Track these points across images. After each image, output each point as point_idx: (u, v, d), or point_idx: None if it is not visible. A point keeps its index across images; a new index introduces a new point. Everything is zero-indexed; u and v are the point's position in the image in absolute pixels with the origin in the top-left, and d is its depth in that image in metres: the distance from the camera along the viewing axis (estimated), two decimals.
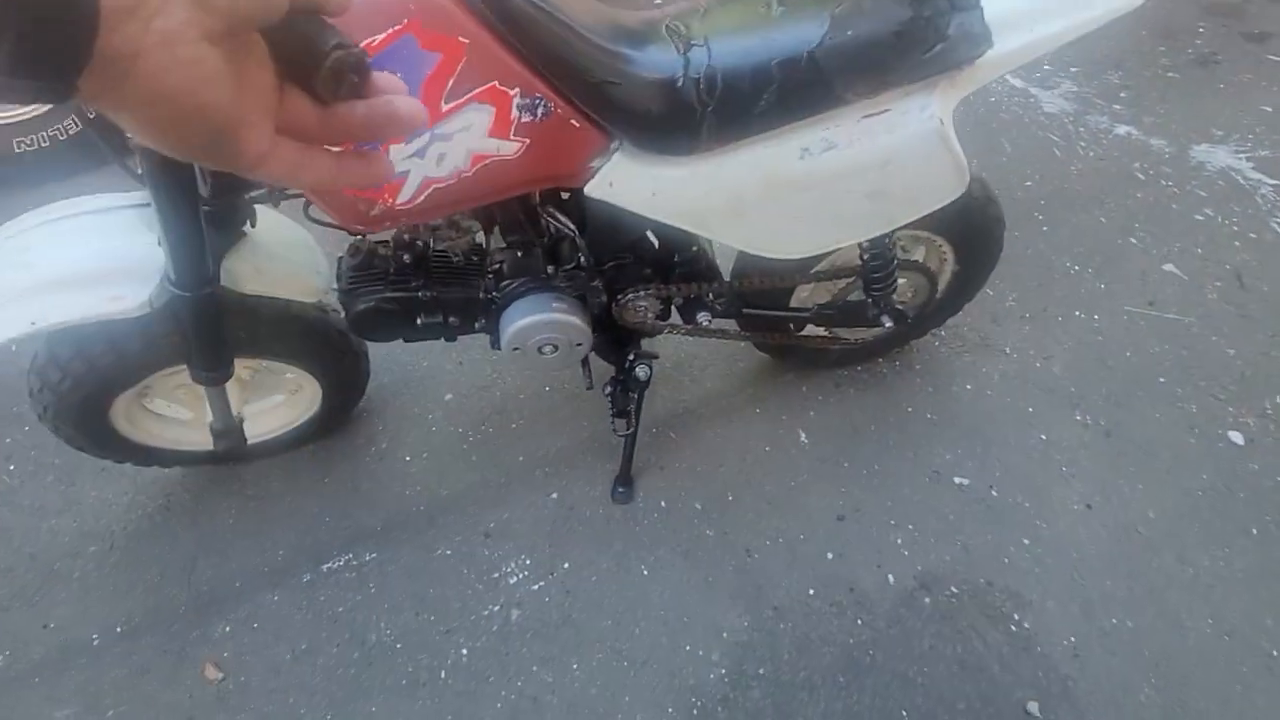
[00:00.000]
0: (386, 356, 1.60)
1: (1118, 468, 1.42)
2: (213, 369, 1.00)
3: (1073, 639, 1.20)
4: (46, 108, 1.88)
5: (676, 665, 1.18)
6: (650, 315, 1.20)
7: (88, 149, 1.94)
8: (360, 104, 0.32)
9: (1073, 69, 2.47)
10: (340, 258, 1.13)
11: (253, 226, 1.04)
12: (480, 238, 1.14)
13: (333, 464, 1.45)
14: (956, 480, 1.41)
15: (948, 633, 1.21)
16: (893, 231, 1.11)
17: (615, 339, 1.26)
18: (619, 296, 1.16)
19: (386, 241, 1.12)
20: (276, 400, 1.38)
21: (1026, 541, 1.32)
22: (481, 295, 1.12)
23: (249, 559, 1.31)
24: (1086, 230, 1.91)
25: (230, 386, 1.21)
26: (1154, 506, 1.36)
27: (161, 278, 0.91)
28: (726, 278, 1.23)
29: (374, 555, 1.31)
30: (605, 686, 1.16)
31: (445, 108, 0.80)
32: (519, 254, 1.11)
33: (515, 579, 1.28)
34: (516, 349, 1.13)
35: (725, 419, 1.52)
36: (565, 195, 1.07)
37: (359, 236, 1.11)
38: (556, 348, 1.14)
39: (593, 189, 0.94)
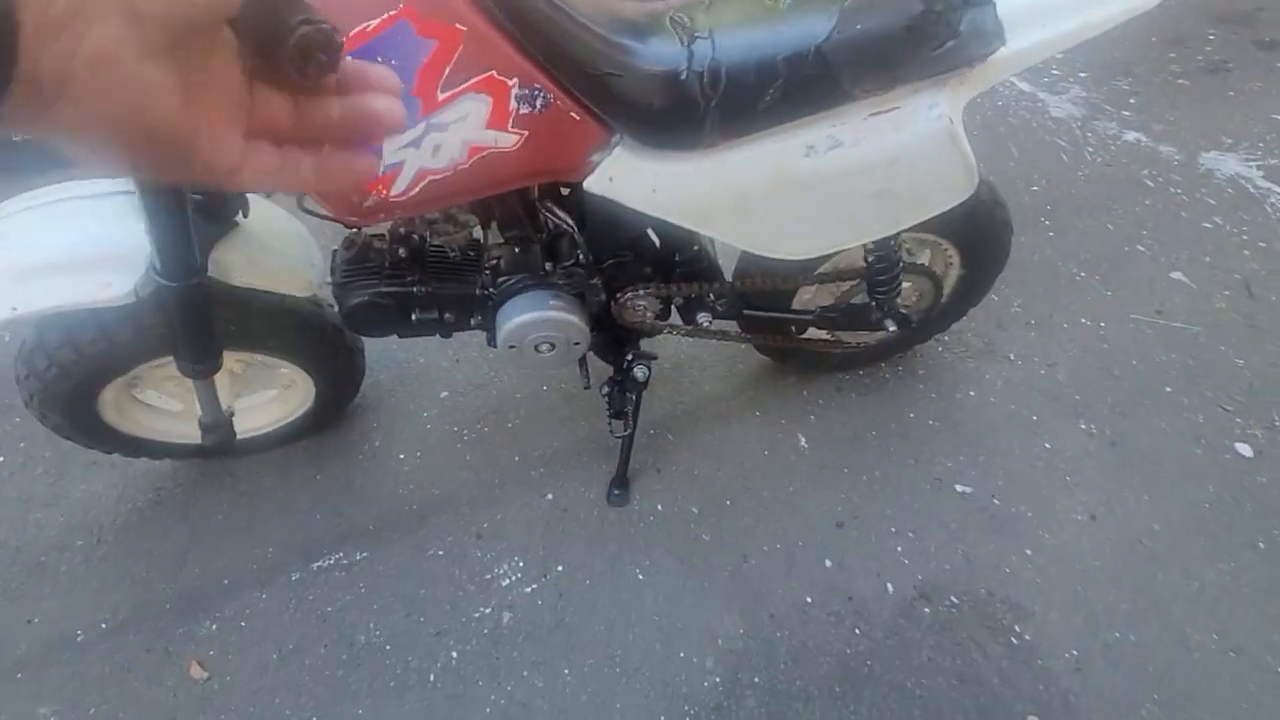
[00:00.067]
0: (383, 353, 1.59)
1: (1123, 478, 1.40)
2: (200, 361, 0.98)
3: (1075, 652, 1.17)
4: None
5: (670, 672, 1.15)
6: (650, 315, 1.18)
7: None
8: (336, 101, 0.30)
9: (1081, 74, 2.44)
10: (335, 251, 1.11)
11: (245, 216, 1.02)
12: (478, 232, 1.12)
13: (326, 460, 1.43)
14: (958, 488, 1.39)
15: (947, 644, 1.18)
16: (898, 233, 1.09)
17: (614, 338, 1.24)
18: (618, 295, 1.14)
19: (382, 235, 1.10)
20: (269, 395, 1.36)
21: (1029, 552, 1.29)
22: (478, 291, 1.10)
23: (238, 555, 1.29)
24: (1094, 237, 1.88)
25: (221, 380, 1.19)
26: (1159, 518, 1.34)
27: (148, 267, 0.89)
28: (728, 278, 1.21)
29: (365, 554, 1.29)
30: (597, 693, 1.13)
31: (441, 97, 0.78)
32: (517, 250, 1.09)
33: (507, 581, 1.26)
34: (513, 347, 1.11)
35: (724, 422, 1.50)
36: (565, 191, 1.05)
37: (354, 230, 1.09)
38: (553, 346, 1.12)
39: (592, 184, 0.92)
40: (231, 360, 1.21)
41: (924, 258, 1.33)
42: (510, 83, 0.80)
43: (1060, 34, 0.88)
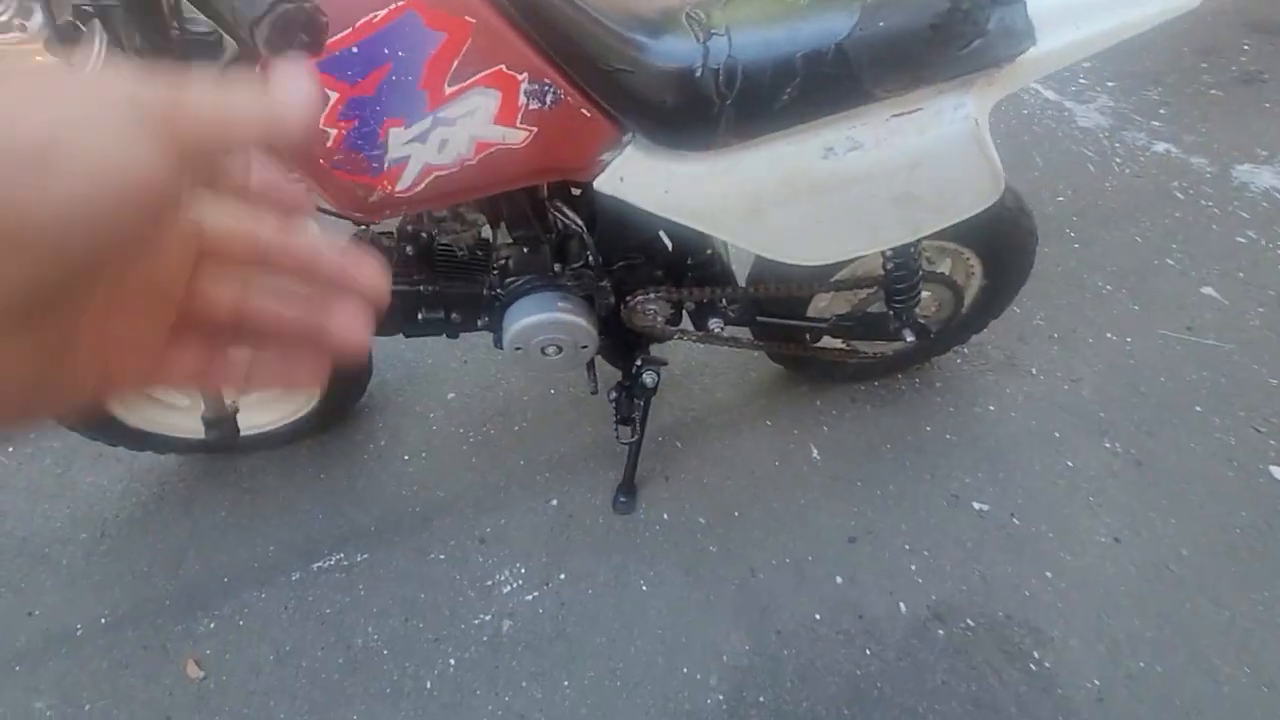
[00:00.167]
0: (391, 353, 1.57)
1: (1149, 500, 1.34)
2: None
3: (1097, 681, 1.12)
4: None
5: (672, 688, 1.12)
6: (660, 319, 1.15)
7: None
8: (323, 260, 0.24)
9: (1109, 83, 2.39)
10: None
11: None
12: (486, 232, 1.10)
13: (330, 460, 1.42)
14: (976, 505, 1.34)
15: (962, 668, 1.14)
16: (918, 241, 1.05)
17: (623, 343, 1.21)
18: (628, 298, 1.11)
19: (389, 233, 1.08)
20: (274, 392, 1.34)
21: (1049, 574, 1.24)
22: (485, 291, 1.08)
23: (239, 553, 1.28)
24: (1121, 249, 1.83)
25: None
26: (1187, 543, 1.28)
27: None
28: (741, 283, 1.18)
29: (366, 556, 1.27)
30: (596, 706, 1.10)
31: (448, 91, 0.76)
32: (525, 250, 1.07)
33: (509, 588, 1.23)
34: (519, 349, 1.09)
35: (734, 431, 1.46)
36: (576, 191, 1.03)
37: (362, 227, 1.07)
38: (561, 349, 1.09)
39: (602, 183, 0.89)
40: None
41: (945, 266, 1.29)
42: (520, 78, 0.78)
43: (1094, 35, 0.84)
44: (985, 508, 1.34)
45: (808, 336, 1.32)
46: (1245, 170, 2.04)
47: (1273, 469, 1.38)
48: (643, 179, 0.89)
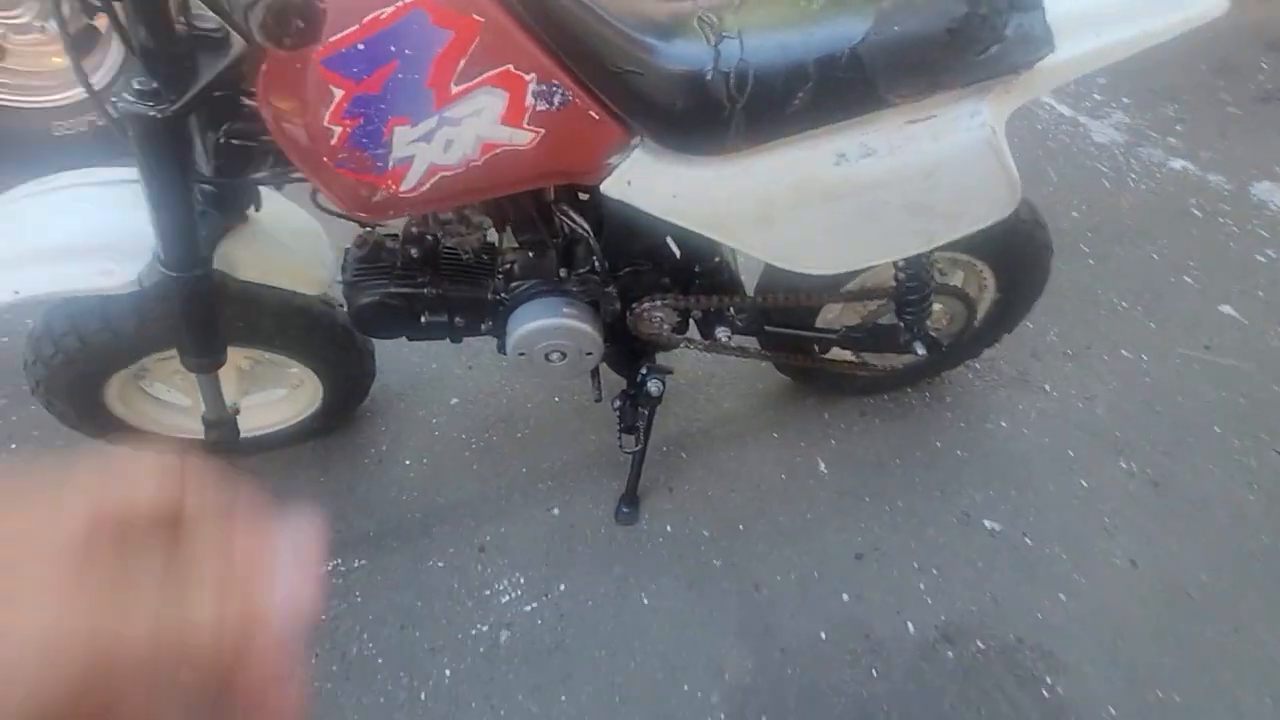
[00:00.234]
0: (394, 357, 1.56)
1: (1166, 523, 1.30)
2: (202, 355, 0.96)
3: (1113, 711, 1.08)
4: (85, 93, 1.90)
5: (672, 706, 1.09)
6: (666, 327, 1.13)
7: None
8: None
9: (1125, 99, 2.36)
10: (347, 249, 1.09)
11: (257, 210, 1.00)
12: (492, 235, 1.09)
13: (330, 463, 1.40)
14: (987, 524, 1.31)
15: (972, 693, 1.10)
16: (931, 251, 1.03)
17: (628, 350, 1.20)
18: (634, 305, 1.09)
19: (395, 235, 1.07)
20: (278, 394, 1.33)
21: (1063, 597, 1.21)
22: (490, 295, 1.07)
23: None
24: (1137, 266, 1.80)
25: (229, 377, 1.17)
26: (1207, 569, 1.24)
27: (153, 256, 0.87)
28: (750, 292, 1.16)
29: (363, 562, 1.25)
30: None
31: (455, 90, 0.75)
32: (530, 254, 1.06)
33: (507, 598, 1.21)
34: (522, 354, 1.07)
35: (740, 442, 1.44)
36: (583, 195, 1.01)
37: (367, 228, 1.07)
38: (565, 355, 1.08)
39: (609, 187, 0.88)
40: (240, 357, 1.19)
41: (957, 278, 1.27)
42: (527, 78, 0.77)
43: (1114, 43, 0.82)
44: (997, 527, 1.30)
45: (816, 347, 1.30)
46: (1264, 188, 2.01)
47: None
48: (651, 183, 0.88)
